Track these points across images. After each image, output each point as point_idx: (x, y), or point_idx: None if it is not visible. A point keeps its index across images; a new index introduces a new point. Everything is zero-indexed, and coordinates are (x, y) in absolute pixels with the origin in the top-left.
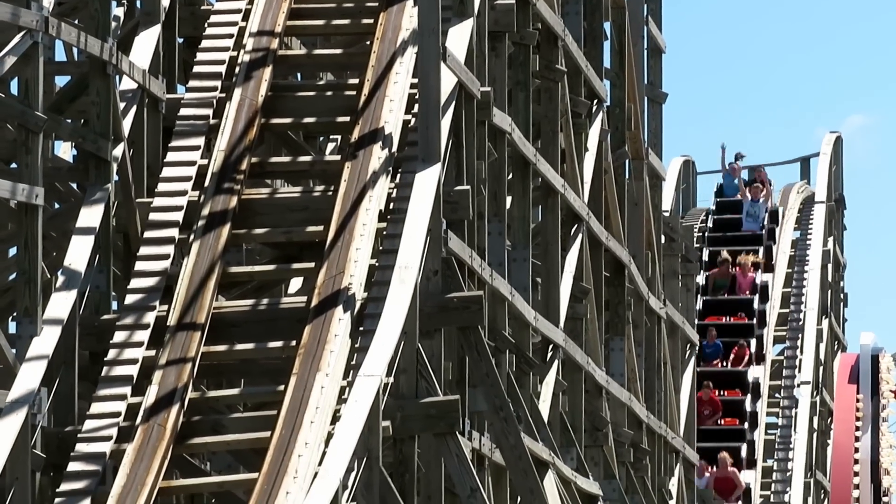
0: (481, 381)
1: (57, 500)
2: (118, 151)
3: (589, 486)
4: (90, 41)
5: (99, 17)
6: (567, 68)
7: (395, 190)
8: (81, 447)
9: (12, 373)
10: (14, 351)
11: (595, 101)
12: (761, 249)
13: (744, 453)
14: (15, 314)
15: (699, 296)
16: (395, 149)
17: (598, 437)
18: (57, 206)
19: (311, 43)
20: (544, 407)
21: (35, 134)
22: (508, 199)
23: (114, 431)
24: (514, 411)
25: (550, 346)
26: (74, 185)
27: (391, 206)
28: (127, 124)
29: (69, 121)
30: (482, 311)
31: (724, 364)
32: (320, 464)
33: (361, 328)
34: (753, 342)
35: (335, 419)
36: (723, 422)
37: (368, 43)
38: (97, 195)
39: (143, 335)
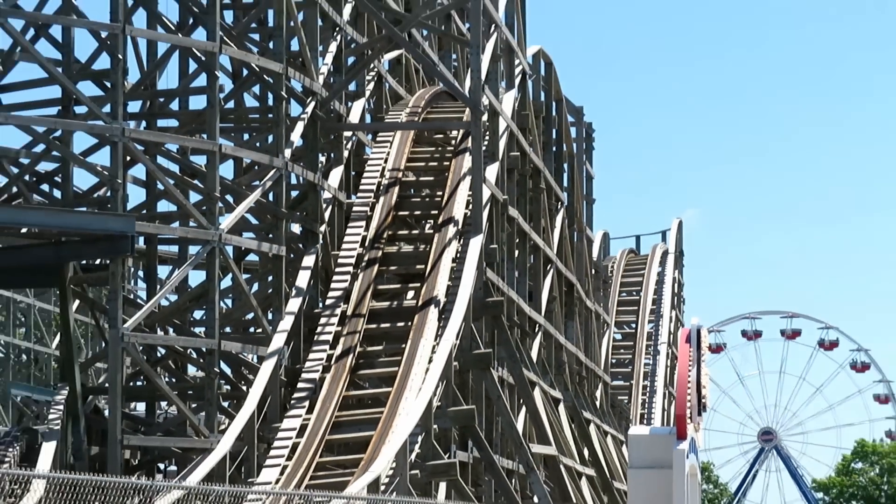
0: (503, 342)
1: (292, 401)
2: (322, 228)
3: (556, 394)
4: (307, 173)
5: (316, 162)
6: (545, 186)
7: (460, 246)
8: (304, 375)
9: (269, 338)
10: (270, 328)
11: (559, 203)
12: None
13: None
14: (271, 309)
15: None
16: (460, 226)
17: (560, 370)
18: (292, 255)
19: (419, 171)
20: (534, 355)
21: (281, 220)
22: (516, 251)
23: (320, 368)
24: (518, 357)
25: (537, 325)
26: (301, 245)
27: (457, 254)
28: (326, 214)
29: (297, 213)
30: (503, 307)
31: None
32: (424, 381)
33: (443, 316)
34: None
35: (430, 360)
36: None
37: (446, 175)
38: (312, 250)
39: (334, 320)
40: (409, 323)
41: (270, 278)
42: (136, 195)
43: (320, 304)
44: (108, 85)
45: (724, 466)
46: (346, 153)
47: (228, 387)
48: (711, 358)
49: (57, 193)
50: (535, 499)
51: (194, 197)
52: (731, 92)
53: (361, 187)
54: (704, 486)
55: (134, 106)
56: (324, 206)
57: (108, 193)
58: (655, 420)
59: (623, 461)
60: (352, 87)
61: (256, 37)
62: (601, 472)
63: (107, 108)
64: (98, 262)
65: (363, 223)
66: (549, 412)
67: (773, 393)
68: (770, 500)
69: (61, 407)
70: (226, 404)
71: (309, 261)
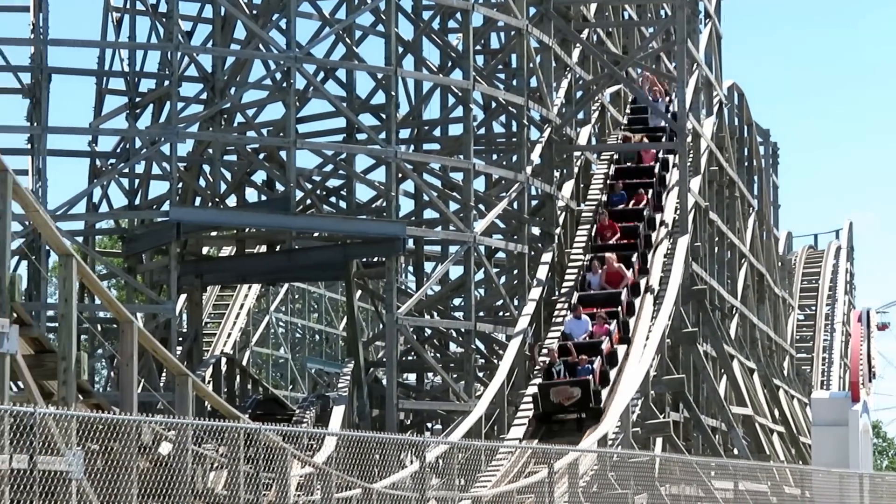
0: (706, 323)
1: (534, 371)
2: (557, 230)
3: (751, 365)
4: (545, 186)
5: (551, 176)
6: (739, 195)
7: (670, 245)
8: (544, 350)
9: (515, 321)
10: (516, 312)
11: (751, 208)
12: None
13: (634, 259)
14: (516, 297)
15: (611, 165)
16: (670, 228)
17: (754, 345)
18: (533, 253)
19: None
20: (732, 333)
21: (524, 224)
22: (716, 248)
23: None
24: (719, 335)
25: (734, 308)
26: (539, 244)
27: (668, 251)
28: (560, 219)
29: (537, 218)
30: (706, 294)
31: (627, 206)
32: (643, 355)
33: (657, 302)
34: (651, 192)
35: (647, 338)
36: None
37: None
38: (549, 248)
39: (564, 306)
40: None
41: (516, 272)
42: (406, 205)
43: (556, 293)
44: (384, 116)
45: (892, 423)
46: (575, 169)
47: (482, 360)
48: (879, 334)
49: (342, 204)
50: (735, 451)
51: (453, 206)
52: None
53: (588, 197)
54: (875, 440)
55: (404, 133)
56: (558, 212)
57: (384, 204)
58: (833, 386)
59: (807, 420)
60: (580, 115)
61: (502, 76)
62: (789, 429)
63: (382, 135)
64: (376, 259)
65: (588, 226)
66: (745, 380)
67: None
68: None
69: (348, 377)
70: (481, 374)
71: (547, 257)
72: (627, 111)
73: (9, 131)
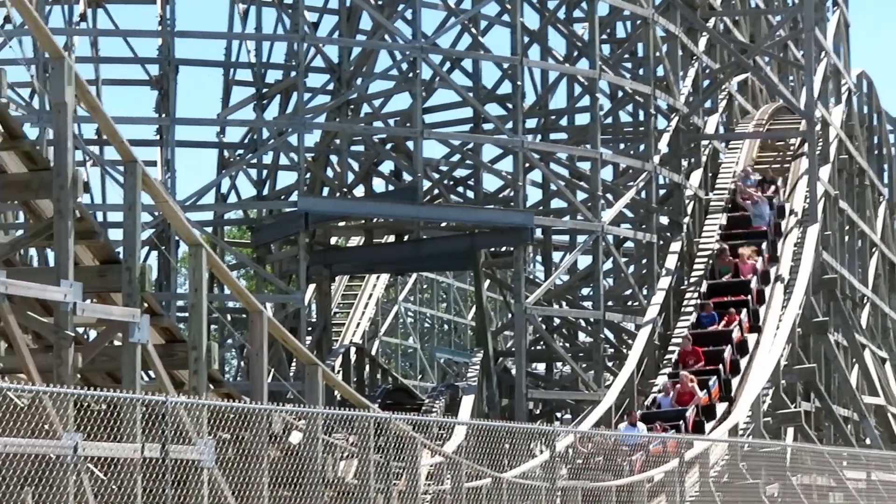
0: (837, 312)
1: (664, 361)
2: (686, 220)
3: (883, 354)
4: (673, 175)
5: (679, 165)
6: (868, 183)
7: (800, 234)
8: (673, 340)
9: (644, 310)
10: (645, 301)
11: (881, 196)
12: (764, 243)
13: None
14: (645, 286)
15: (704, 280)
16: (800, 217)
17: (886, 335)
18: (661, 242)
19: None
20: (863, 322)
21: (652, 214)
22: (846, 237)
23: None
24: (850, 324)
25: (865, 297)
26: (668, 234)
27: (798, 240)
28: (689, 209)
29: (665, 207)
30: (837, 283)
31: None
32: (773, 344)
33: (787, 291)
34: (744, 312)
35: (777, 327)
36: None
37: (787, 175)
38: (677, 238)
39: (694, 295)
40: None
41: (644, 261)
42: (533, 195)
43: (686, 282)
44: (510, 106)
45: None
46: (703, 158)
47: (612, 349)
48: None
49: (470, 194)
50: (867, 441)
51: (581, 196)
52: None
53: (717, 186)
54: None
55: (531, 122)
56: (686, 201)
57: (512, 193)
58: None
59: None
60: (707, 104)
61: (629, 65)
62: None
63: (509, 125)
64: (504, 249)
65: (719, 215)
66: (877, 369)
67: None
68: None
69: (477, 367)
70: (610, 364)
71: (675, 246)
72: (723, 221)
73: (138, 122)
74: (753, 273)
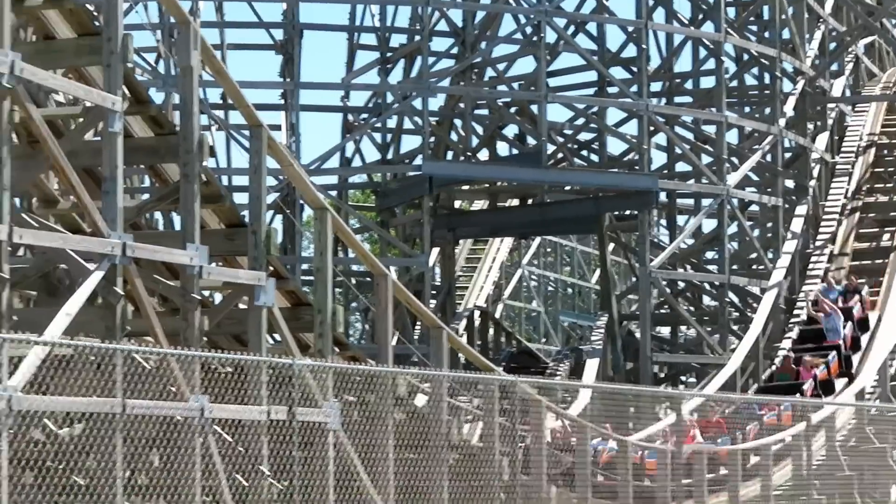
0: None
1: (789, 324)
2: (812, 183)
3: None
4: (798, 139)
5: (805, 129)
6: None
7: None
8: (799, 304)
9: (770, 274)
10: (771, 265)
11: None
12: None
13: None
14: (770, 249)
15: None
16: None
17: None
18: (787, 206)
19: (892, 135)
20: None
21: (777, 177)
22: None
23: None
24: None
25: None
26: (793, 197)
27: None
28: (815, 172)
29: (791, 171)
30: None
31: None
32: None
33: None
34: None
35: None
36: None
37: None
38: (803, 201)
39: (823, 258)
40: (886, 260)
41: (769, 224)
42: (658, 158)
43: (811, 246)
44: (635, 69)
45: None
46: (829, 122)
47: (737, 313)
48: None
49: (594, 158)
50: None
51: (706, 159)
52: None
53: (843, 149)
54: None
55: (655, 86)
56: (812, 165)
57: (636, 157)
58: None
59: None
60: (834, 67)
61: (754, 28)
62: None
63: (634, 88)
64: (628, 212)
65: (846, 178)
66: None
67: None
68: None
69: (602, 330)
70: (735, 328)
71: (801, 210)
72: (793, 334)
73: (263, 87)
74: (813, 379)
